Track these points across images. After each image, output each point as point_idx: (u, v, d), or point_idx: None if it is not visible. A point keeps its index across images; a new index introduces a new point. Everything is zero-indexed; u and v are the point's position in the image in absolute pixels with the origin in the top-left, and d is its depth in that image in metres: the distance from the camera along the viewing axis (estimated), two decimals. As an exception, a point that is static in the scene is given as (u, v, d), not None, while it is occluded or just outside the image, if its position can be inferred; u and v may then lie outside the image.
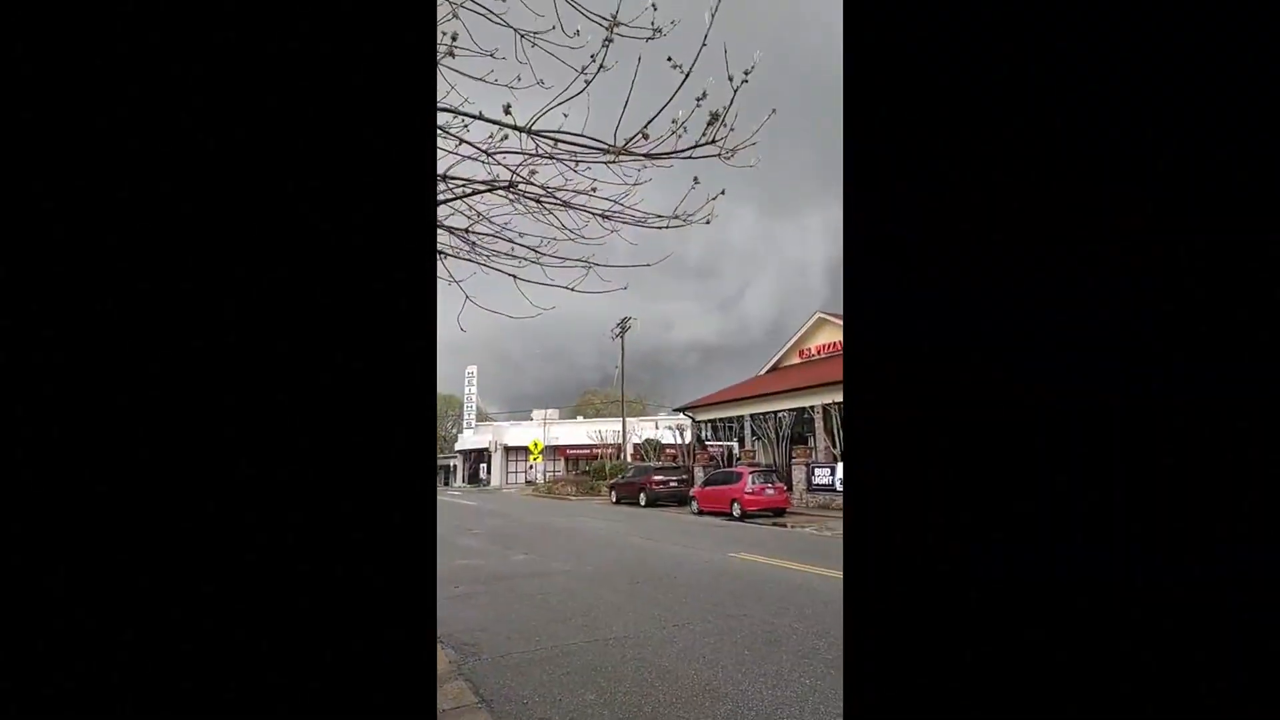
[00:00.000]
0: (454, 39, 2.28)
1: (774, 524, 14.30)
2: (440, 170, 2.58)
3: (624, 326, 32.27)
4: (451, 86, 2.34)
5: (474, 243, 2.74)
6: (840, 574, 7.15)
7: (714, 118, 1.89)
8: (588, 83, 2.05)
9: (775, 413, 21.22)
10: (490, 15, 2.13)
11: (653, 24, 1.90)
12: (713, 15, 1.77)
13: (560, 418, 50.12)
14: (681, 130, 2.01)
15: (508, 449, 46.43)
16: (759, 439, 22.15)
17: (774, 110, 1.88)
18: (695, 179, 2.18)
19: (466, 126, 2.39)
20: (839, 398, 18.16)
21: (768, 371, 24.92)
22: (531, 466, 40.98)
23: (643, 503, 20.56)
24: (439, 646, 4.79)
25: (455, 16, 2.12)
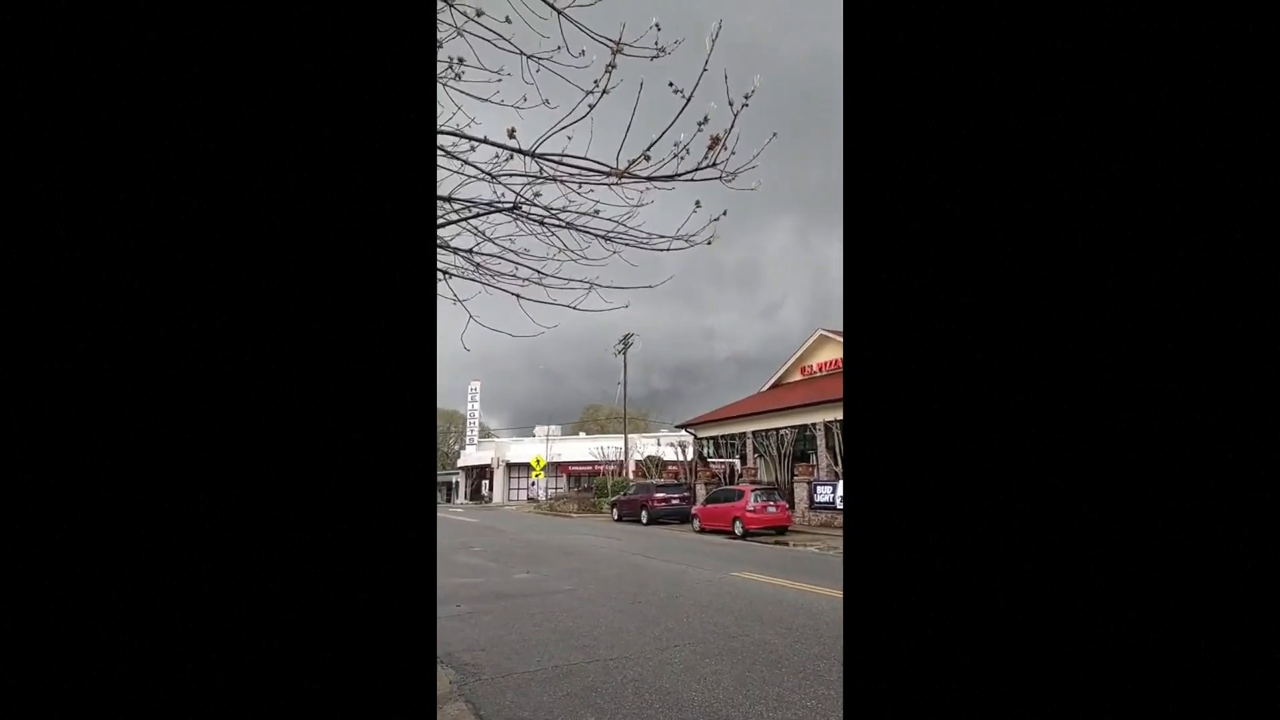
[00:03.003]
0: (460, 61, 2.32)
1: (776, 542, 14.20)
2: (445, 192, 2.61)
3: (626, 343, 32.31)
4: (458, 108, 2.37)
5: (478, 263, 2.76)
6: (843, 595, 7.04)
7: (715, 142, 1.91)
8: (591, 107, 2.08)
9: (777, 430, 21.15)
10: (496, 37, 2.17)
11: (656, 43, 1.93)
12: (713, 41, 1.80)
13: (562, 434, 50.03)
14: (683, 153, 2.03)
15: (510, 465, 46.30)
16: (761, 456, 22.05)
17: (775, 134, 1.91)
18: (697, 203, 2.21)
19: (472, 149, 2.42)
20: (841, 415, 18.12)
21: (769, 388, 24.88)
22: (534, 483, 40.82)
23: (644, 520, 20.44)
24: (439, 666, 4.74)
25: (460, 36, 2.15)
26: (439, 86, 2.37)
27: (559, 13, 2.06)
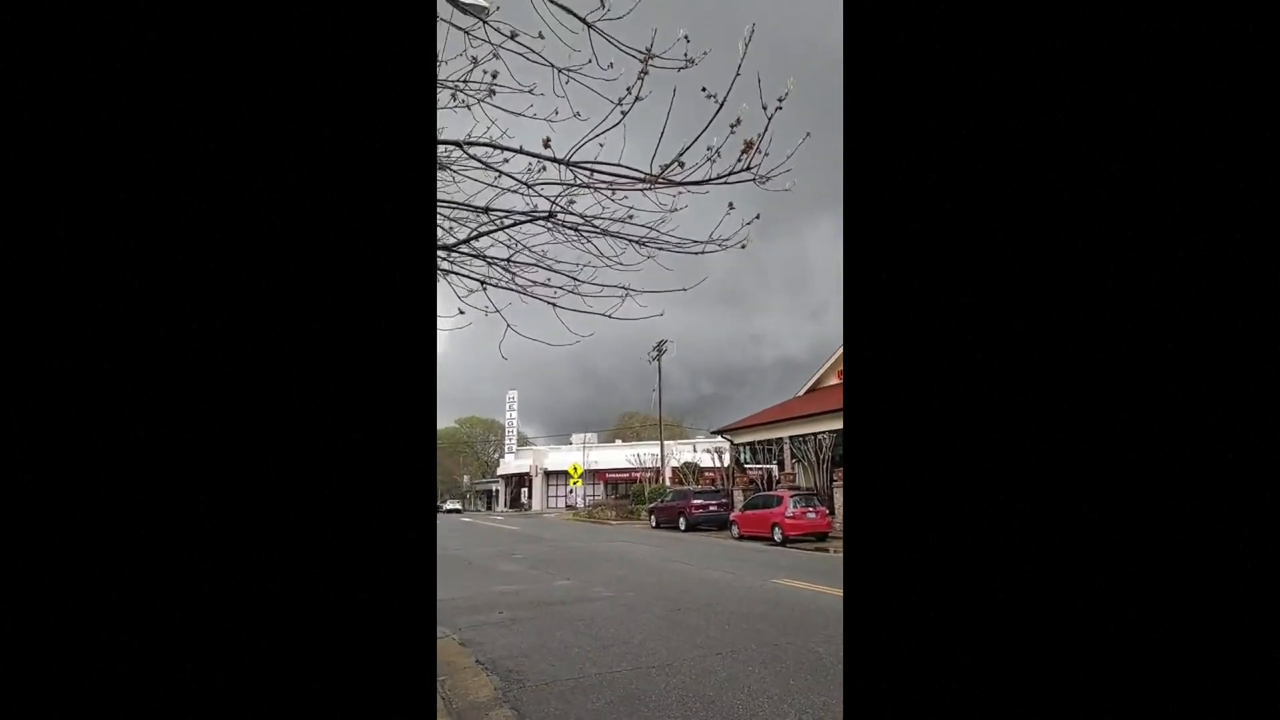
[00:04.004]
0: (494, 77, 2.37)
1: (816, 548, 13.97)
2: (482, 203, 2.67)
3: (660, 350, 32.32)
4: (492, 122, 2.42)
5: (514, 273, 2.80)
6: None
7: (748, 146, 1.91)
8: (624, 114, 2.10)
9: (815, 435, 20.85)
10: (529, 53, 2.21)
11: (685, 55, 1.94)
12: (746, 45, 1.80)
13: (599, 441, 50.22)
14: (716, 156, 2.03)
15: (548, 473, 46.65)
16: (799, 461, 21.76)
17: (808, 134, 1.90)
18: (730, 205, 2.20)
19: (506, 160, 2.46)
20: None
21: (806, 393, 24.55)
22: (571, 491, 41.05)
23: (682, 527, 20.35)
24: (484, 673, 4.80)
25: (496, 57, 2.20)
26: (477, 105, 2.43)
27: (589, 26, 2.09)
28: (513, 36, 2.11)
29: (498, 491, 55.22)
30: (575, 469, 34.43)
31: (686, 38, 1.86)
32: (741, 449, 25.57)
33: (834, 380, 23.53)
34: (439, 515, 41.68)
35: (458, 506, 52.91)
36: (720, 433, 26.68)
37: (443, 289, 2.96)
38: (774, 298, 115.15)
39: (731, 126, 1.90)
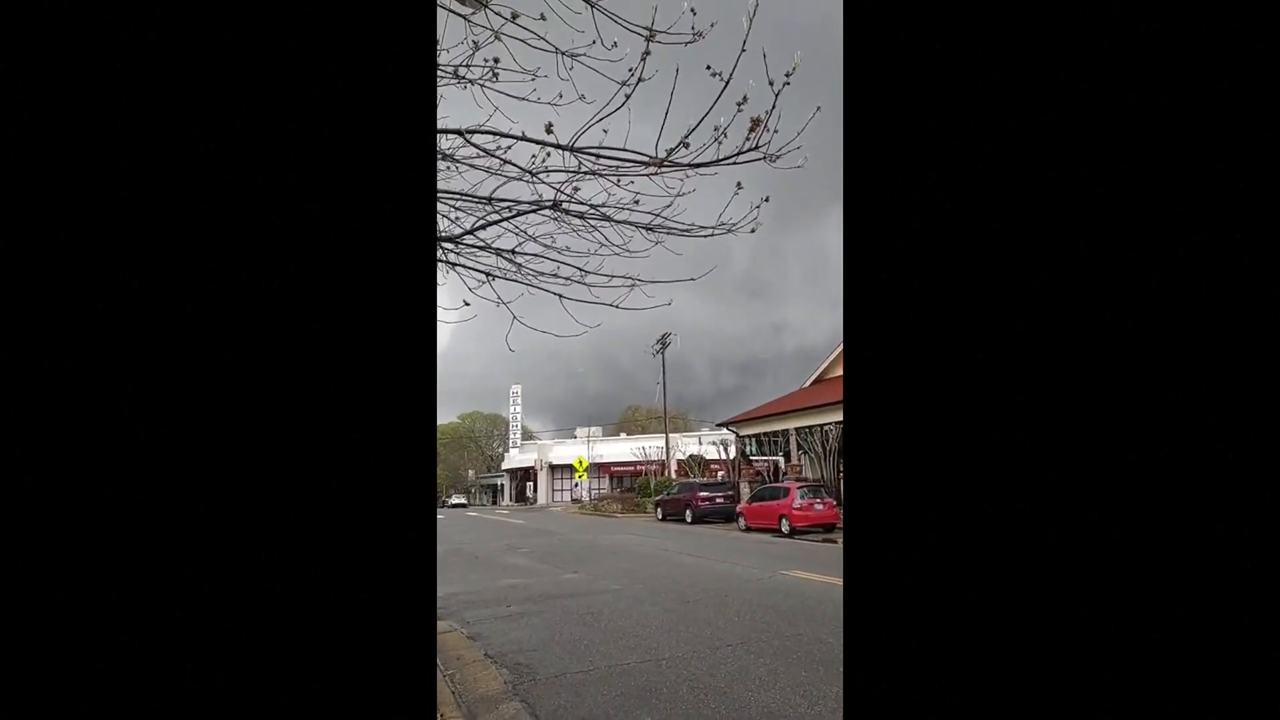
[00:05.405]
0: (496, 61, 2.32)
1: (825, 540, 13.96)
2: (486, 193, 2.62)
3: (664, 343, 32.28)
4: (495, 108, 2.37)
5: (520, 264, 2.76)
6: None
7: (756, 124, 1.86)
8: (628, 97, 2.05)
9: (821, 426, 20.80)
10: (532, 37, 2.16)
11: (692, 28, 1.89)
12: (750, 19, 1.75)
13: (603, 435, 50.27)
14: (723, 137, 1.98)
15: (553, 467, 46.75)
16: (805, 453, 21.72)
17: (819, 108, 1.84)
18: (739, 184, 2.15)
19: (510, 147, 2.42)
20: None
21: (812, 384, 24.48)
22: (577, 484, 41.14)
23: (689, 519, 20.36)
24: (493, 666, 4.79)
25: (498, 39, 2.15)
26: (479, 89, 2.38)
27: (591, 5, 2.04)
28: (513, 18, 2.06)
29: (503, 486, 55.42)
30: (580, 462, 34.49)
31: (693, 10, 1.81)
32: (747, 441, 25.55)
33: (839, 371, 23.45)
34: (444, 510, 41.81)
35: (463, 501, 53.09)
36: (726, 425, 26.64)
37: (450, 282, 2.93)
38: (794, 288, 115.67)
39: (738, 105, 1.85)
